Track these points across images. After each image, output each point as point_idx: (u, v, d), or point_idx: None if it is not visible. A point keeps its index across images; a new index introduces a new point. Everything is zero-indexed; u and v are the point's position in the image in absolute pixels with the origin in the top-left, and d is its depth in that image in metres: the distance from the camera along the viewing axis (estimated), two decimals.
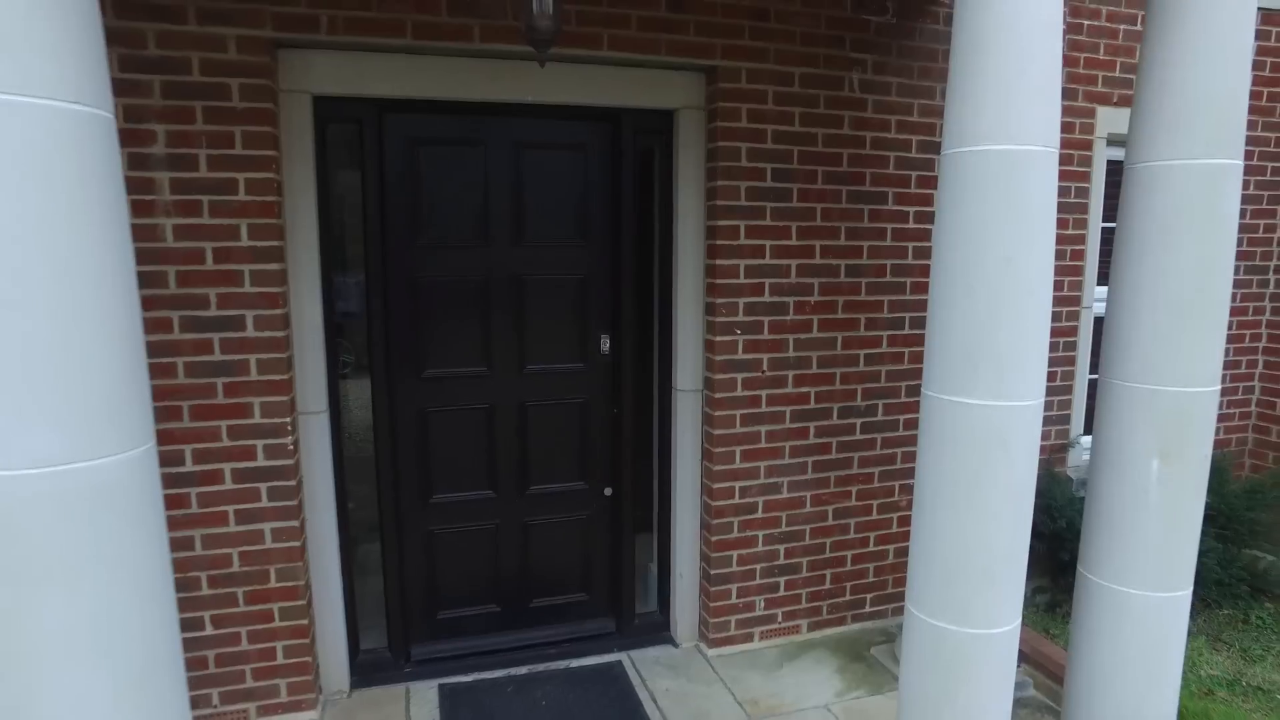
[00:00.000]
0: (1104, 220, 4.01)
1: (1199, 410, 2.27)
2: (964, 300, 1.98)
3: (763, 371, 3.33)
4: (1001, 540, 2.05)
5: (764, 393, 3.35)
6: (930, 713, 2.21)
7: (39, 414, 1.36)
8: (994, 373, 1.96)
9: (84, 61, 1.39)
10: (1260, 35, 4.25)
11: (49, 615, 1.42)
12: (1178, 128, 2.15)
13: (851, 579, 3.68)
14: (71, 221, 1.37)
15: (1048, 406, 4.15)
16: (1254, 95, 4.29)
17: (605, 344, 3.38)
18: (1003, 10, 1.83)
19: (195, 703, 2.81)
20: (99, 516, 1.44)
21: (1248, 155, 4.38)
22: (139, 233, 2.54)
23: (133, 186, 2.50)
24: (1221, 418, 4.69)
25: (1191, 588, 2.44)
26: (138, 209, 2.50)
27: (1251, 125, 4.32)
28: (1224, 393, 4.66)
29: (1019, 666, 3.36)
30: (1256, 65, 4.12)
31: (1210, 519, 4.14)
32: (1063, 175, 3.92)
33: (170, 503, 2.51)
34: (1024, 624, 3.76)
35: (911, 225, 3.44)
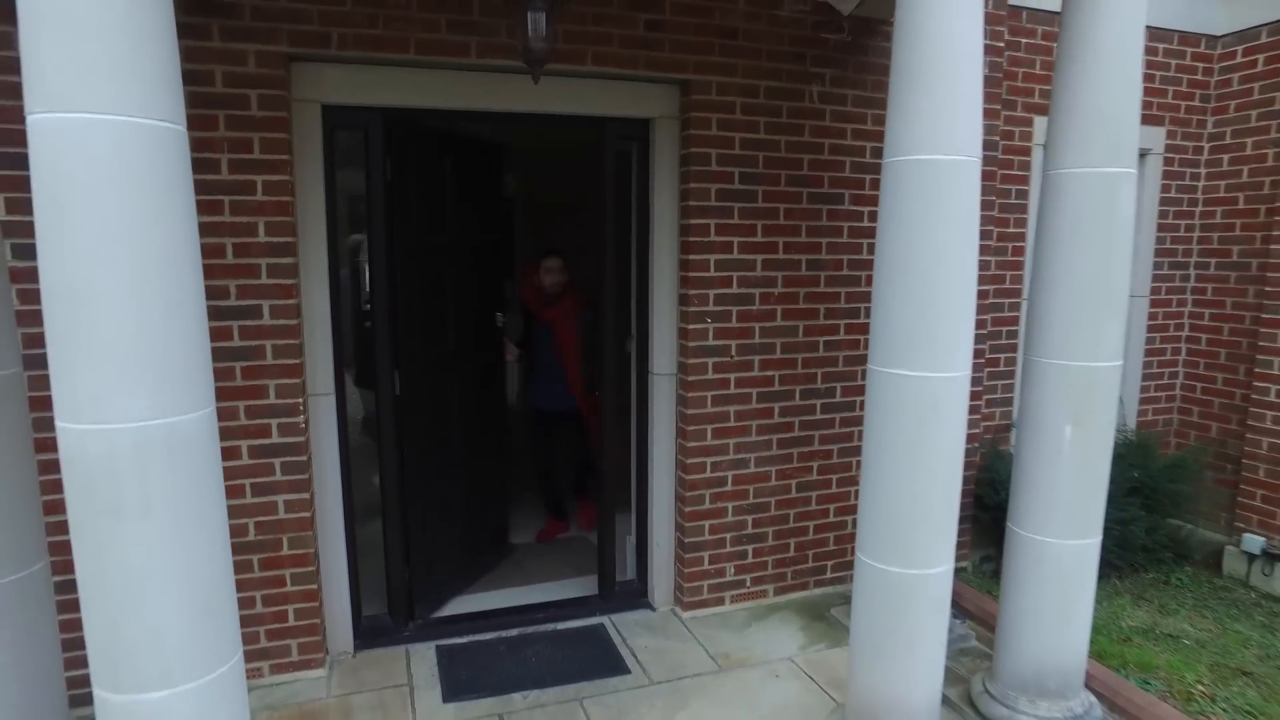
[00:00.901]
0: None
1: (1103, 382, 2.65)
2: (902, 288, 2.33)
3: (731, 356, 3.66)
4: (936, 491, 2.40)
5: (733, 376, 3.69)
6: (878, 645, 2.56)
7: (134, 379, 1.64)
8: (928, 349, 2.31)
9: (168, 85, 1.67)
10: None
11: (138, 545, 1.70)
12: (1081, 141, 2.53)
13: (813, 547, 4.03)
14: (160, 220, 1.65)
15: (993, 390, 4.55)
16: (1172, 109, 4.74)
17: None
18: (931, 44, 2.18)
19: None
20: (176, 464, 1.72)
21: (1167, 162, 4.83)
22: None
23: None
24: (1148, 400, 5.15)
25: (1100, 536, 2.82)
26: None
27: (1171, 134, 4.77)
28: (1151, 378, 5.12)
29: (964, 621, 3.75)
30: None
31: (1137, 491, 4.57)
32: (1004, 179, 4.34)
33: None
34: (970, 586, 4.15)
35: (866, 224, 3.79)
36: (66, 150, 1.56)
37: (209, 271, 2.83)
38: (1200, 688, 3.32)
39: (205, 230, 2.82)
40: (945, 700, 3.01)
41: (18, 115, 1.75)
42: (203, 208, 2.79)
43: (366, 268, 4.06)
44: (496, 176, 3.93)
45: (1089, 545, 2.77)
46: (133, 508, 1.67)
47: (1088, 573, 2.80)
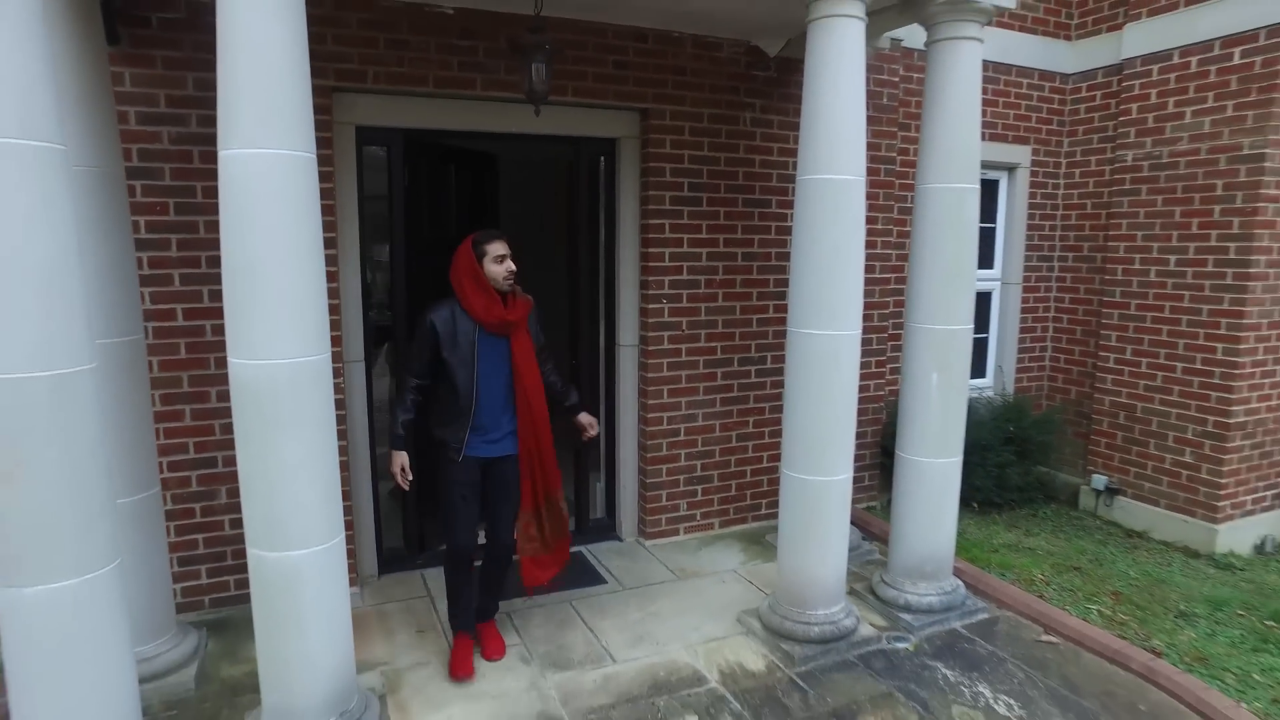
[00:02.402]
0: None
1: (959, 340, 3.61)
2: (810, 270, 3.22)
3: (683, 330, 4.52)
4: (838, 419, 3.31)
5: (684, 346, 4.55)
6: (799, 536, 3.45)
7: (287, 329, 2.40)
8: (829, 314, 3.21)
9: (307, 127, 2.41)
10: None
11: (289, 449, 2.45)
12: (939, 165, 3.47)
13: (750, 488, 4.93)
14: (303, 218, 2.41)
15: (895, 359, 5.49)
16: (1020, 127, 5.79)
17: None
18: (827, 98, 3.07)
19: None
20: (314, 390, 2.48)
21: (1034, 174, 5.85)
22: None
23: None
24: (1023, 369, 6.22)
25: (961, 456, 3.76)
26: None
27: (1036, 151, 5.82)
28: (1025, 351, 6.19)
29: (872, 543, 4.66)
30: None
31: (1012, 442, 5.60)
32: (901, 188, 5.29)
33: None
34: (877, 518, 5.09)
35: (788, 223, 4.68)
36: (248, 172, 2.30)
37: None
38: (1041, 577, 4.33)
39: None
40: (853, 591, 3.93)
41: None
42: None
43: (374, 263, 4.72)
44: (491, 182, 4.69)
45: (953, 463, 3.72)
46: (287, 419, 2.42)
47: (952, 484, 3.75)
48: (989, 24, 3.49)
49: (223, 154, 2.31)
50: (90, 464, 2.25)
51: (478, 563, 3.39)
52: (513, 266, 3.12)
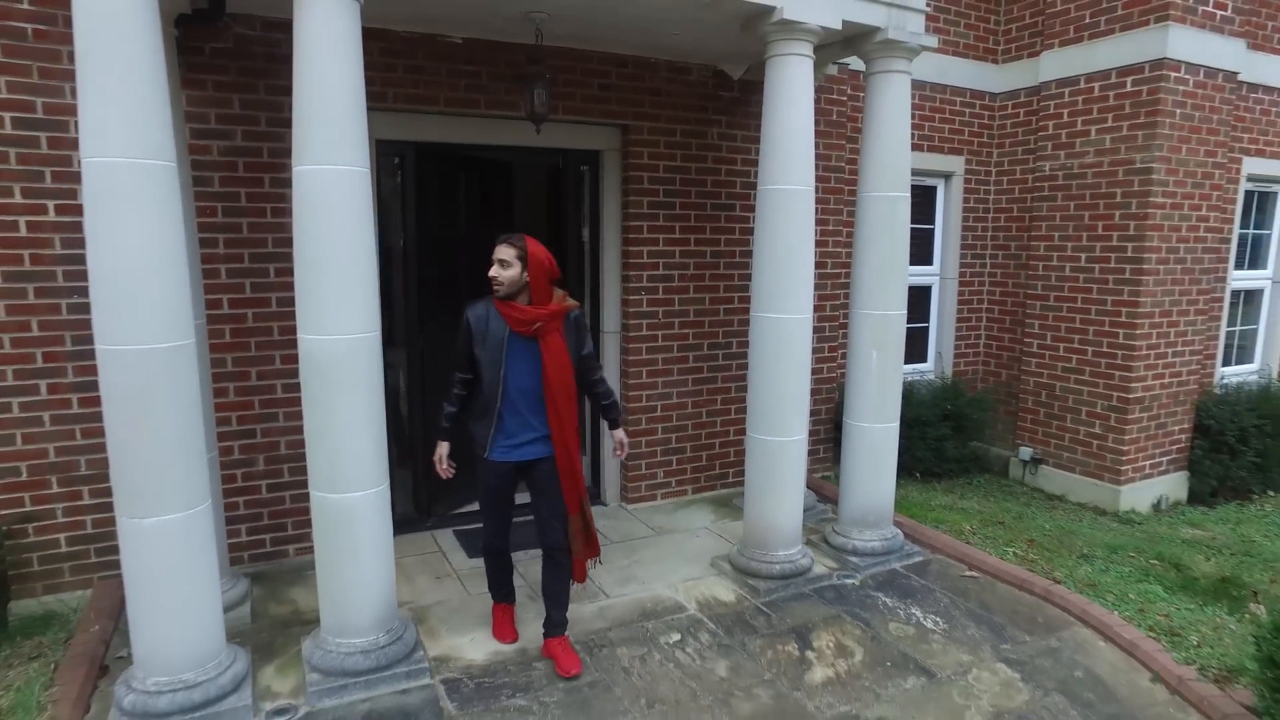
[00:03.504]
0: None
1: (894, 323, 4.28)
2: (769, 264, 3.86)
3: (659, 319, 5.14)
4: (792, 388, 3.95)
5: (660, 333, 5.17)
6: (761, 489, 4.08)
7: (347, 311, 2.95)
8: (783, 300, 3.85)
9: (364, 146, 2.97)
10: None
11: (348, 408, 3.01)
12: (875, 176, 4.14)
13: (719, 459, 5.56)
14: (361, 221, 2.97)
15: (846, 345, 6.18)
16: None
17: None
18: (782, 123, 3.72)
19: (292, 539, 4.28)
20: (368, 361, 3.04)
21: (968, 181, 6.57)
22: (274, 228, 4.02)
23: (274, 198, 3.99)
24: (960, 354, 6.95)
25: (897, 422, 4.43)
26: (280, 212, 3.98)
27: (969, 161, 6.55)
28: (962, 338, 6.92)
29: (827, 504, 5.32)
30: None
31: (949, 418, 6.32)
32: (849, 194, 5.97)
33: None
34: (831, 484, 5.76)
35: (750, 225, 5.33)
36: (320, 185, 2.86)
37: None
38: (969, 529, 5.04)
39: None
40: (809, 541, 4.58)
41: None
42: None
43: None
44: (491, 188, 5.26)
45: (890, 428, 4.39)
46: (348, 383, 2.98)
47: (890, 445, 4.42)
48: (915, 59, 4.15)
49: (296, 169, 2.87)
50: (193, 420, 2.79)
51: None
52: (494, 273, 3.12)
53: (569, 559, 3.42)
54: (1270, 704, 2.74)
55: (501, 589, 3.63)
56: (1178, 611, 3.97)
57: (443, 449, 3.39)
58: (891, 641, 3.68)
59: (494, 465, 3.28)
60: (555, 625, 3.44)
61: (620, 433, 3.56)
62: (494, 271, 3.15)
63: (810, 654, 3.55)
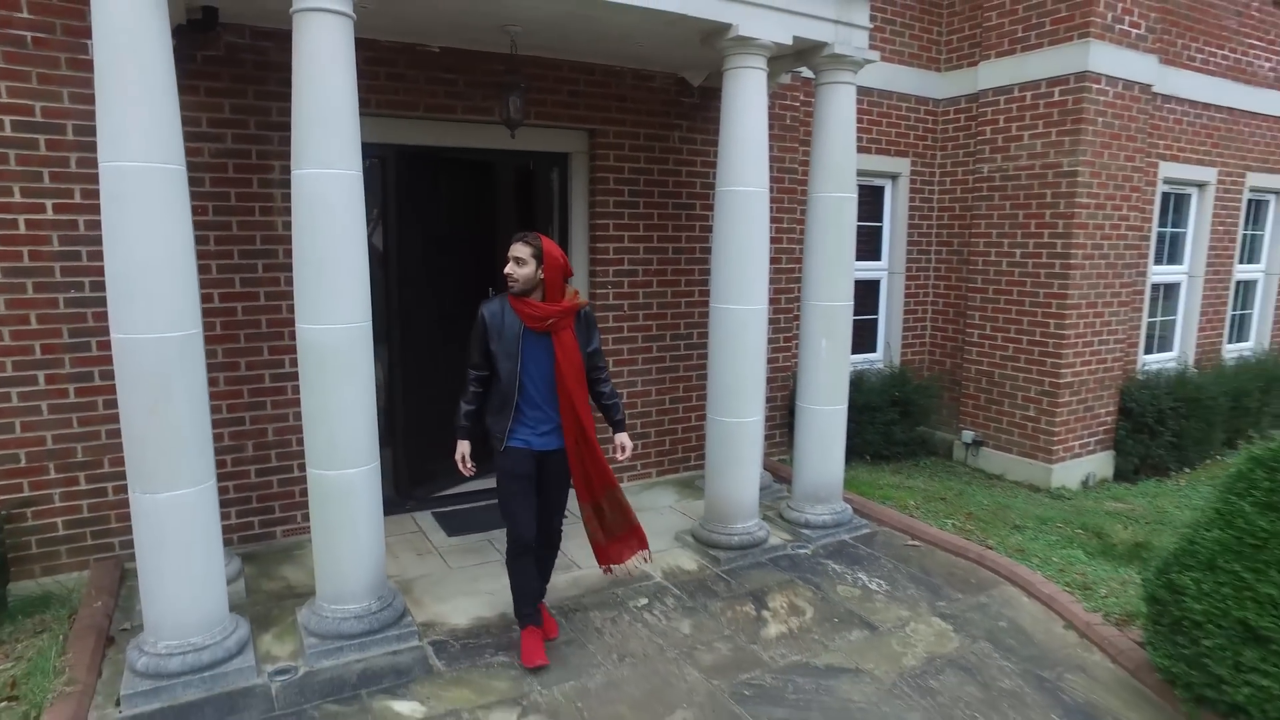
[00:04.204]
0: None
1: (841, 313, 4.67)
2: (727, 259, 4.21)
3: (624, 311, 5.46)
4: (748, 374, 4.31)
5: (625, 324, 5.49)
6: (721, 466, 4.43)
7: (344, 303, 3.22)
8: (740, 293, 4.21)
9: (358, 150, 3.24)
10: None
11: (341, 393, 3.27)
12: (823, 178, 4.52)
13: (682, 444, 5.91)
14: (358, 220, 3.23)
15: None
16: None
17: None
18: (739, 128, 4.06)
19: (280, 521, 4.52)
20: (361, 349, 3.31)
21: (913, 182, 6.99)
22: (262, 225, 4.25)
23: (262, 197, 4.22)
24: (908, 345, 7.39)
25: (846, 404, 4.83)
26: (268, 211, 4.22)
27: (915, 163, 6.98)
28: (909, 329, 7.36)
29: (783, 484, 5.69)
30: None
31: (897, 404, 6.75)
32: (800, 194, 6.35)
33: (280, 388, 4.26)
34: (787, 466, 6.14)
35: (709, 223, 5.66)
36: (320, 186, 3.12)
37: (288, 252, 4.32)
38: (913, 504, 5.46)
39: (285, 225, 4.31)
40: (766, 516, 4.94)
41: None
42: (284, 210, 4.29)
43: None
44: (468, 187, 5.51)
45: (839, 410, 4.78)
46: (344, 369, 3.25)
47: (839, 426, 4.81)
48: (860, 70, 4.53)
49: (296, 173, 3.13)
50: (201, 403, 3.04)
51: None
52: (509, 270, 3.23)
53: (559, 542, 3.64)
54: (1153, 634, 3.17)
55: (529, 603, 3.44)
56: (1093, 571, 4.43)
57: (464, 447, 3.46)
58: (839, 601, 4.06)
59: (513, 452, 3.35)
60: (537, 594, 3.54)
61: (624, 437, 3.57)
62: (509, 269, 3.25)
63: (766, 613, 3.91)
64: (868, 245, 6.98)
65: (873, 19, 6.46)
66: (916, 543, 4.81)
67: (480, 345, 3.34)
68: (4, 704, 2.99)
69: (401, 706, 3.11)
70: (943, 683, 3.40)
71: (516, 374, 3.30)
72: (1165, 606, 3.09)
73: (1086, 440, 6.49)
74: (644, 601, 3.98)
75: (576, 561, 4.40)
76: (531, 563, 3.45)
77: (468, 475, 3.51)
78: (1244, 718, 2.80)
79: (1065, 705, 3.27)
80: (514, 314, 3.30)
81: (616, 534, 3.70)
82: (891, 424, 6.68)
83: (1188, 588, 2.97)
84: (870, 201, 6.92)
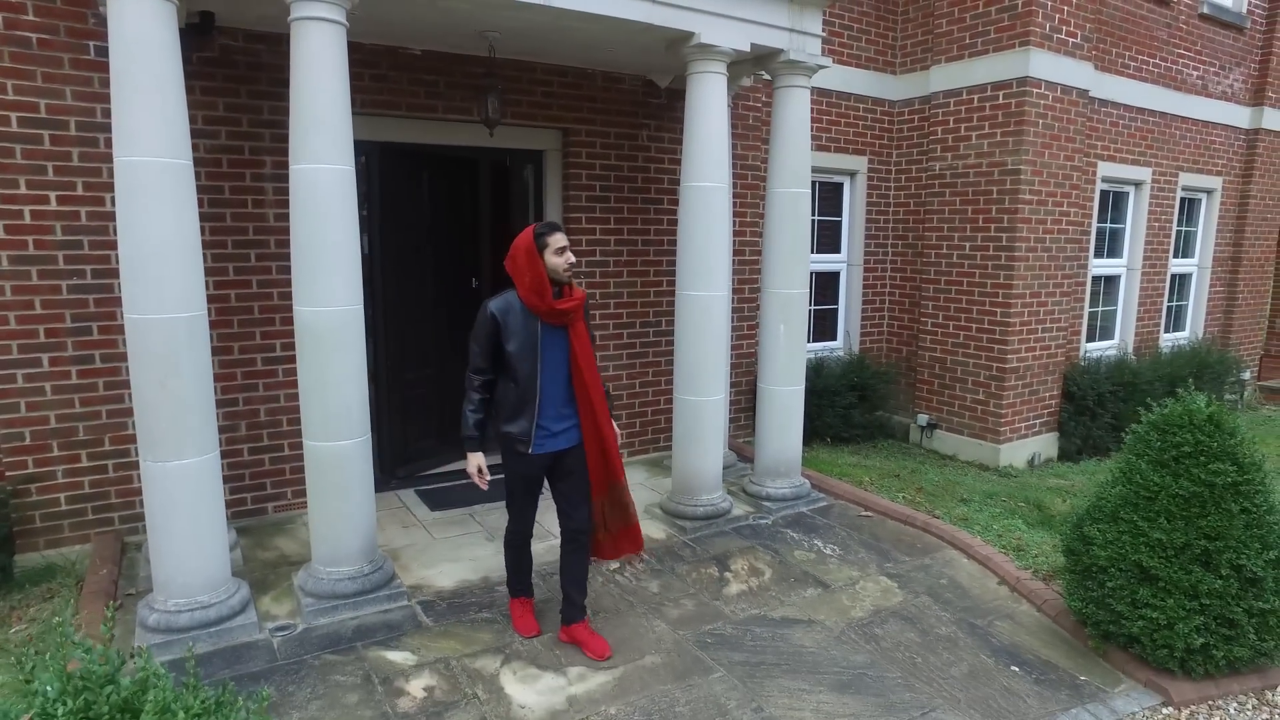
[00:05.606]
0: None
1: (798, 300, 5.03)
2: (691, 249, 4.55)
3: (596, 299, 5.78)
4: (711, 355, 4.65)
5: (597, 312, 5.81)
6: (687, 441, 4.77)
7: (338, 287, 3.50)
8: (703, 279, 4.54)
9: (350, 147, 3.52)
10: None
11: (338, 368, 3.55)
12: (780, 174, 4.87)
13: (651, 425, 6.24)
14: (351, 210, 3.52)
15: None
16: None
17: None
18: (700, 128, 4.40)
19: (271, 497, 4.78)
20: (354, 329, 3.59)
21: (870, 179, 7.38)
22: (254, 218, 4.51)
23: (254, 191, 4.48)
24: (866, 333, 7.79)
25: (803, 385, 5.19)
26: (260, 204, 4.48)
27: (872, 161, 7.36)
28: (868, 319, 7.76)
29: (746, 464, 6.04)
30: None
31: (856, 389, 7.14)
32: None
33: (271, 370, 4.52)
34: (750, 447, 6.49)
35: (675, 216, 5.89)
36: (316, 179, 3.39)
37: (281, 243, 4.59)
38: (868, 480, 5.85)
39: (279, 217, 4.57)
40: (730, 491, 5.29)
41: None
42: (277, 203, 4.55)
43: None
44: (448, 182, 5.79)
45: (796, 390, 5.14)
46: (338, 347, 3.53)
47: (797, 405, 5.17)
48: (814, 75, 4.89)
49: (294, 167, 3.41)
50: (206, 379, 3.31)
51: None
52: (573, 259, 3.17)
53: (590, 541, 3.49)
54: (1070, 583, 3.56)
55: (523, 581, 3.64)
56: (1029, 537, 4.83)
57: (479, 460, 3.28)
58: (795, 564, 4.42)
59: (535, 459, 3.25)
60: (578, 609, 3.48)
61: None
62: (570, 257, 3.17)
63: (728, 574, 4.26)
64: (828, 239, 7.36)
65: (831, 25, 6.85)
66: (869, 513, 5.19)
67: (488, 346, 3.17)
68: None
69: (394, 656, 3.40)
70: (886, 630, 3.77)
71: (537, 374, 3.16)
72: (1078, 556, 3.48)
73: (1032, 422, 6.93)
74: (615, 565, 4.31)
75: (552, 531, 4.71)
76: (528, 550, 3.57)
77: (485, 489, 3.36)
78: (1138, 646, 3.20)
79: (993, 646, 3.65)
80: (527, 311, 3.15)
81: (611, 530, 3.57)
82: (850, 408, 7.07)
83: (1095, 538, 3.36)
84: (830, 197, 7.31)
